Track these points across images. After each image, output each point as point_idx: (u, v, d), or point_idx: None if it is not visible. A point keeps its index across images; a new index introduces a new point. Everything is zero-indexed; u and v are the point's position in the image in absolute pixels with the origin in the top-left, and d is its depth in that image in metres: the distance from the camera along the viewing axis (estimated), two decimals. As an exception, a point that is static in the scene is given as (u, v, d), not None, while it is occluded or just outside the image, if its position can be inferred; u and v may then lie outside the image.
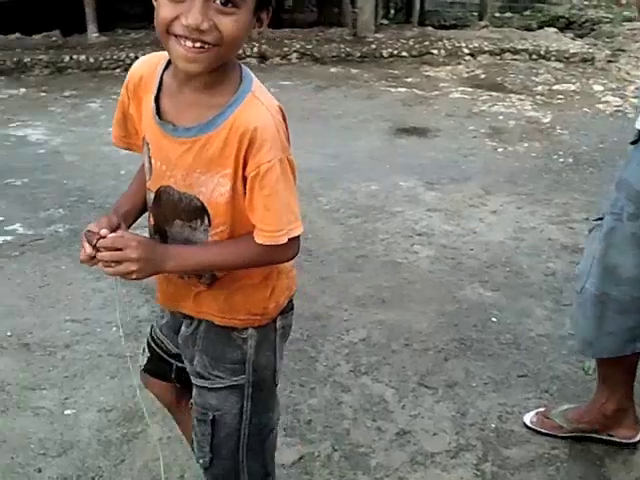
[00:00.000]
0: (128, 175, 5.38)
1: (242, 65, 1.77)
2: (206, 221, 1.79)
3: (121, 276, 1.73)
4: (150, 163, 1.83)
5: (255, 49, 9.44)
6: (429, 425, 2.98)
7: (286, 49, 9.63)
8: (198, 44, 1.59)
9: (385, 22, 13.66)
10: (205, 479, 2.13)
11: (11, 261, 4.31)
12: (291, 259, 1.89)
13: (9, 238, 4.60)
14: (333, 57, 9.71)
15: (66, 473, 2.71)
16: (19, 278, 4.11)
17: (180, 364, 2.12)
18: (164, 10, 1.60)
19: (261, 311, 1.95)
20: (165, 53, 1.74)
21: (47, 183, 5.49)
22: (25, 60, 8.71)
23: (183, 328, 2.04)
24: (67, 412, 3.03)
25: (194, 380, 2.02)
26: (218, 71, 1.68)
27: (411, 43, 10.37)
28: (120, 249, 1.69)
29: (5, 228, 4.74)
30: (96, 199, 5.16)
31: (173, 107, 1.76)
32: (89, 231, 1.72)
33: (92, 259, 1.71)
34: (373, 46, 10.19)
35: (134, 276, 1.73)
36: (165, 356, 2.16)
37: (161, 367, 2.17)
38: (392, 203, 5.25)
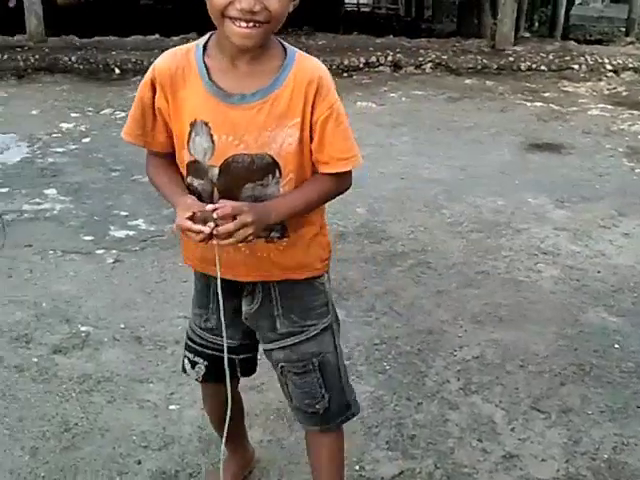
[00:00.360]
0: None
1: (277, 37, 2.00)
2: (277, 174, 1.98)
3: (239, 242, 1.89)
4: (212, 141, 1.96)
5: (389, 58, 9.40)
6: (538, 450, 2.83)
7: (421, 59, 9.54)
8: (251, 23, 1.81)
9: (526, 35, 13.35)
10: (320, 427, 2.28)
11: (131, 255, 4.39)
12: (347, 190, 2.11)
13: (131, 233, 4.70)
14: (469, 68, 9.55)
15: (165, 467, 2.71)
16: (137, 272, 4.19)
17: (243, 355, 2.28)
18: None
19: (328, 255, 2.19)
20: (186, 45, 2.00)
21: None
22: (163, 61, 8.95)
23: (244, 307, 2.18)
24: (171, 407, 3.05)
25: (280, 343, 2.18)
26: (264, 45, 1.91)
27: (551, 57, 10.08)
28: (235, 217, 1.85)
29: (129, 223, 4.85)
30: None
31: (230, 81, 1.94)
32: (196, 213, 1.86)
33: (209, 237, 1.86)
34: (511, 59, 9.96)
35: (250, 238, 1.90)
36: (230, 356, 2.16)
37: (223, 369, 2.14)
38: (518, 220, 5.08)
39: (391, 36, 10.38)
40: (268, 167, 1.96)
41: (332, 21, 11.54)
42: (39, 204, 5.11)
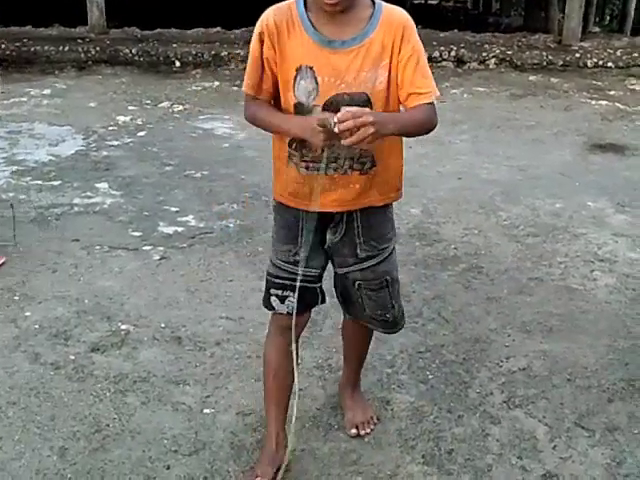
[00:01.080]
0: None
1: None
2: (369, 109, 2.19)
3: (361, 141, 2.08)
4: (316, 82, 2.25)
5: (453, 53, 9.23)
6: (579, 470, 2.70)
7: (485, 54, 9.34)
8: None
9: (596, 30, 13.01)
10: (390, 331, 2.78)
11: (178, 252, 4.35)
12: (437, 122, 2.33)
13: (180, 229, 4.66)
14: (533, 64, 9.31)
15: (193, 473, 2.65)
16: (183, 270, 4.15)
17: (320, 283, 2.57)
18: None
19: (400, 184, 2.51)
20: (286, 2, 2.31)
21: (225, 177, 5.55)
22: (222, 54, 8.92)
23: (329, 236, 2.50)
24: (206, 411, 2.99)
25: (359, 266, 2.52)
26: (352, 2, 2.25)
27: (618, 54, 9.79)
28: (359, 117, 2.05)
29: (178, 219, 4.82)
30: (270, 197, 5.12)
31: (331, 30, 2.25)
32: (323, 119, 2.13)
33: (330, 137, 2.14)
34: (577, 55, 9.69)
35: (370, 138, 2.09)
36: (313, 285, 2.54)
37: (310, 297, 2.55)
38: (576, 224, 4.91)
39: (456, 30, 10.18)
40: (364, 104, 2.21)
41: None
42: (90, 198, 5.12)
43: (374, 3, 2.30)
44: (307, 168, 2.39)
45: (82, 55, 8.95)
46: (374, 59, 2.25)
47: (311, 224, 2.43)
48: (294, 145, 2.39)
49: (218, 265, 4.16)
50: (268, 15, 2.30)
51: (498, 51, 9.40)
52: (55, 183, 5.35)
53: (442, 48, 9.20)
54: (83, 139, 6.36)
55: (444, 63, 9.04)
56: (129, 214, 4.88)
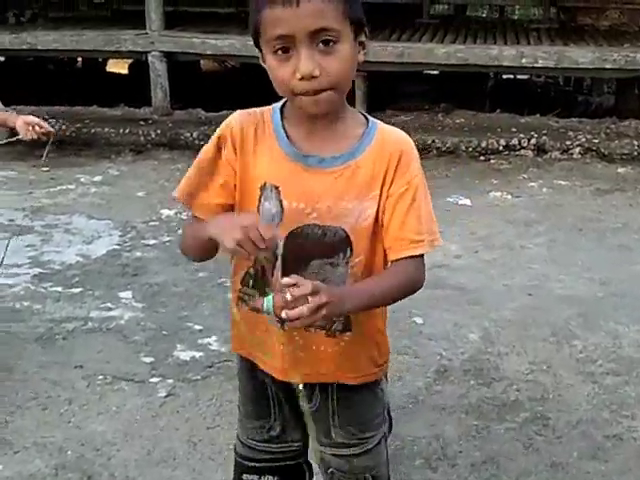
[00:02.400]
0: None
1: None
2: (348, 252, 1.84)
3: (305, 325, 1.68)
4: (281, 206, 1.81)
5: (533, 140, 8.52)
6: None
7: (569, 142, 8.59)
8: (313, 93, 1.71)
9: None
10: None
11: (188, 387, 3.75)
12: (423, 283, 1.91)
13: (198, 355, 4.07)
14: (623, 155, 8.51)
15: None
16: (189, 412, 3.54)
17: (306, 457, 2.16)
18: (279, 72, 1.72)
19: (386, 358, 2.07)
20: (261, 108, 1.90)
21: None
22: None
23: (304, 405, 1.96)
24: None
25: (334, 451, 2.04)
26: (340, 107, 1.83)
27: None
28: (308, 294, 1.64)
29: (199, 341, 4.24)
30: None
31: (309, 143, 1.84)
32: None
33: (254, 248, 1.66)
34: (674, 144, 8.85)
35: (319, 322, 1.72)
36: (296, 461, 2.15)
37: (295, 477, 2.16)
38: (668, 360, 4.13)
39: (538, 115, 9.49)
40: (340, 243, 1.83)
41: (478, 95, 10.76)
42: (109, 310, 4.59)
43: (367, 121, 1.90)
44: (257, 311, 1.83)
45: (142, 138, 8.59)
46: (360, 188, 1.82)
47: (281, 392, 2.03)
48: (246, 278, 1.94)
49: (229, 408, 3.53)
50: (234, 118, 1.89)
51: (584, 139, 8.64)
52: (76, 291, 4.86)
53: (522, 135, 8.51)
54: (120, 236, 5.88)
55: (523, 152, 8.33)
56: (146, 333, 4.32)
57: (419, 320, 4.53)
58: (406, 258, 1.83)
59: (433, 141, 8.40)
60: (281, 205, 1.83)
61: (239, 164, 1.86)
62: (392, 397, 3.74)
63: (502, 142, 8.47)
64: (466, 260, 5.50)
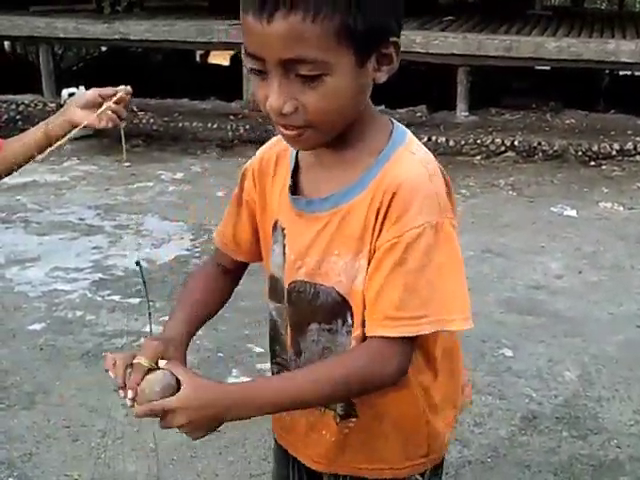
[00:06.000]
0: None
1: (392, 119, 1.48)
2: (348, 319, 1.45)
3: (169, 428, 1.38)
4: (283, 254, 1.51)
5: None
6: None
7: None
8: (290, 128, 1.34)
9: None
10: None
11: (235, 424, 3.32)
12: (394, 376, 1.41)
13: (252, 385, 3.65)
14: None
15: None
16: (234, 455, 3.12)
17: None
18: (256, 90, 1.36)
19: (427, 450, 1.55)
20: None
21: None
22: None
23: None
24: None
25: None
26: (349, 131, 1.40)
27: None
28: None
29: (257, 366, 3.82)
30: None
31: (312, 181, 1.49)
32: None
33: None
34: None
35: (186, 432, 1.39)
36: None
37: None
38: None
39: (658, 115, 8.70)
40: (336, 307, 1.45)
41: (591, 93, 9.99)
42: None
43: (386, 145, 1.42)
44: None
45: (229, 133, 8.24)
46: (350, 239, 1.41)
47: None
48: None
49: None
50: (260, 149, 1.64)
51: None
52: (134, 301, 4.50)
53: (638, 139, 7.77)
54: (191, 240, 5.52)
55: (639, 157, 7.60)
56: (200, 353, 3.92)
57: (508, 353, 4.00)
58: (378, 338, 1.38)
59: (539, 143, 7.77)
60: (284, 251, 1.50)
61: (258, 197, 1.58)
62: (469, 447, 3.25)
63: (616, 146, 7.73)
64: (567, 281, 4.89)
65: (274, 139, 1.62)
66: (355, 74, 1.31)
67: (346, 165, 1.43)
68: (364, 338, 1.43)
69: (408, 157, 1.41)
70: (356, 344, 1.45)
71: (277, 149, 1.58)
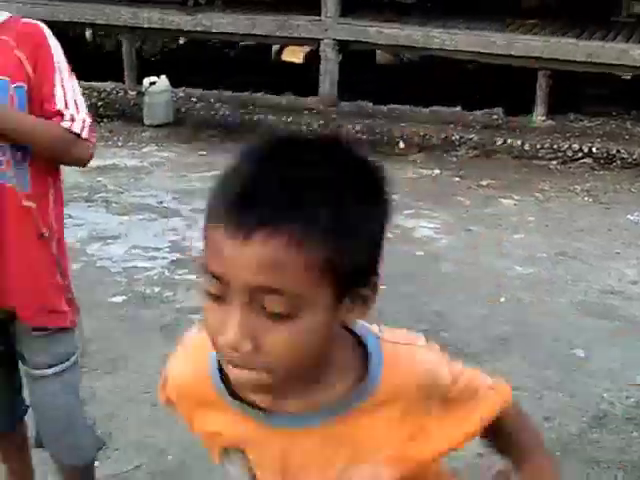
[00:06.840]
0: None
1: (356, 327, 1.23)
2: None
3: None
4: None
5: None
6: None
7: None
8: (241, 368, 1.10)
9: None
10: None
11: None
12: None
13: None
14: None
15: None
16: None
17: None
18: (207, 314, 1.13)
19: None
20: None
21: (402, 298, 4.41)
22: (453, 138, 7.94)
23: None
24: None
25: None
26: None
27: None
28: None
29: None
30: (451, 334, 4.06)
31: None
32: None
33: None
34: None
35: None
36: None
37: None
38: None
39: None
40: None
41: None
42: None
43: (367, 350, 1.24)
44: None
45: (303, 127, 8.33)
46: (359, 445, 1.23)
47: None
48: None
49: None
50: (173, 371, 1.43)
51: None
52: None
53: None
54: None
55: None
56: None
57: (581, 353, 3.98)
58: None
59: (618, 151, 7.67)
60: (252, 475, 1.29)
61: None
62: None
63: (697, 158, 7.61)
64: (643, 288, 4.86)
65: (185, 352, 1.41)
66: (329, 314, 1.10)
67: (322, 383, 1.21)
68: None
69: (398, 349, 1.28)
70: None
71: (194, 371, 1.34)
